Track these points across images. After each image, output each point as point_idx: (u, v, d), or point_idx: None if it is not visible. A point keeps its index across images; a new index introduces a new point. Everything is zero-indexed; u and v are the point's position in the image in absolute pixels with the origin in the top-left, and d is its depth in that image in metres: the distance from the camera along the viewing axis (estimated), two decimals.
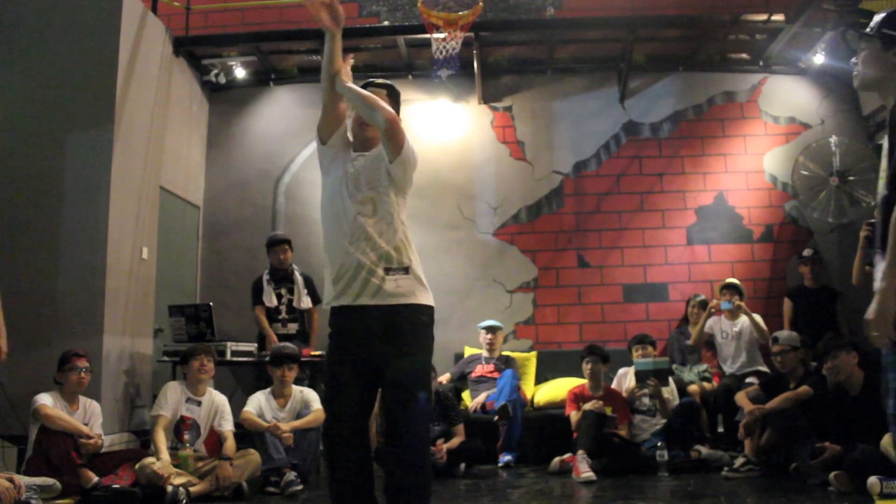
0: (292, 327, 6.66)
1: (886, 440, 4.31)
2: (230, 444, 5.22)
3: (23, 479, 4.41)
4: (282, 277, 6.73)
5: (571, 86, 8.19)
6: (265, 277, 6.73)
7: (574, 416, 5.96)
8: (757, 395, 5.64)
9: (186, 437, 5.18)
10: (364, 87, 2.99)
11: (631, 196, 7.91)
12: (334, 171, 2.99)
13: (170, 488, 4.60)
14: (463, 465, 5.80)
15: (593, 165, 7.99)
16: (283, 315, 6.66)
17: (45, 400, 4.96)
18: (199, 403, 5.35)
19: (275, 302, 6.66)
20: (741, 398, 5.64)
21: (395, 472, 2.78)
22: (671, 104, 8.07)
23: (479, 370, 6.82)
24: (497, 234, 7.90)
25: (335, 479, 2.82)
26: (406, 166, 2.89)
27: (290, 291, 6.71)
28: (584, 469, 5.34)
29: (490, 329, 6.93)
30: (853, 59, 2.71)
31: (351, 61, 3.05)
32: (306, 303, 6.68)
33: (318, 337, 6.77)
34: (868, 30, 2.64)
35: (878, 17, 2.63)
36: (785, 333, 5.72)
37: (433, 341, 2.98)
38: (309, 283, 6.79)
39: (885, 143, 2.53)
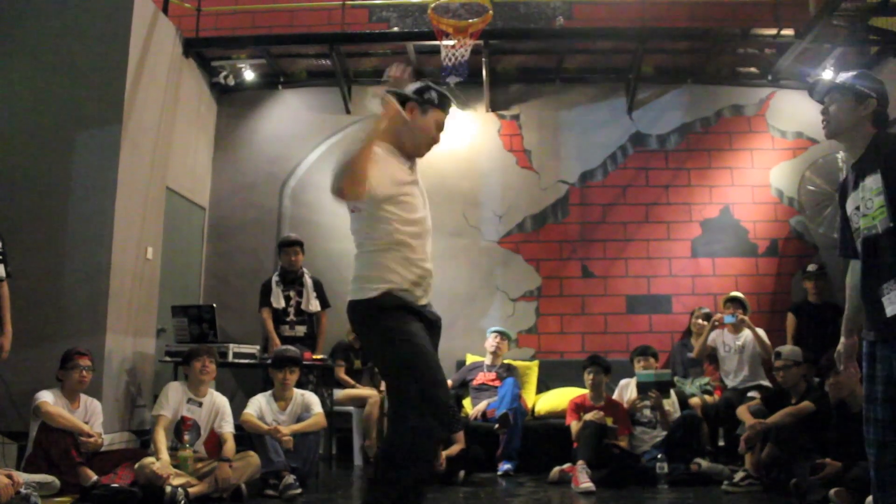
0: (300, 329, 6.67)
1: None
2: (230, 446, 5.21)
3: (22, 476, 4.42)
4: (291, 280, 6.75)
5: (579, 96, 8.20)
6: (274, 279, 6.75)
7: (574, 426, 5.95)
8: (758, 409, 5.63)
9: (186, 437, 5.17)
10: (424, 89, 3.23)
11: (636, 207, 7.91)
12: (410, 187, 3.25)
13: (168, 488, 4.60)
14: (462, 473, 5.78)
15: (599, 176, 7.99)
16: (292, 317, 6.68)
17: (47, 397, 4.96)
18: (200, 404, 5.35)
19: (282, 304, 6.67)
20: (742, 412, 5.64)
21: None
22: (679, 116, 8.08)
23: (481, 378, 6.81)
24: (502, 243, 7.90)
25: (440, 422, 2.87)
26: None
27: (300, 294, 6.72)
28: (583, 480, 5.33)
29: (500, 334, 6.93)
30: (821, 111, 3.01)
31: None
32: (315, 306, 6.69)
33: (325, 340, 6.79)
34: (841, 83, 2.93)
35: (849, 74, 2.95)
36: (787, 348, 5.71)
37: None
38: (318, 287, 6.80)
39: (872, 181, 2.80)
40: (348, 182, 2.84)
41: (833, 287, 7.22)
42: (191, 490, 4.76)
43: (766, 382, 6.46)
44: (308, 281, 6.75)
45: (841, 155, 7.39)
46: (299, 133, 8.13)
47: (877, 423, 2.84)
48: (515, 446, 6.20)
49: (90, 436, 5.00)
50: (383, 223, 3.08)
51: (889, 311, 2.73)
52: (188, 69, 7.60)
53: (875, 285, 2.83)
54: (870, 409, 2.88)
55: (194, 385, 5.38)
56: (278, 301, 6.66)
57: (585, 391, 6.21)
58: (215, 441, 5.32)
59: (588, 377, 6.13)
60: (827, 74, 7.51)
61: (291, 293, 6.72)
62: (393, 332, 2.93)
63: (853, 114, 2.90)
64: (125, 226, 6.30)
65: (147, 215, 6.71)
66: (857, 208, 2.90)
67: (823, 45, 7.31)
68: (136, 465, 4.78)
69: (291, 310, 6.68)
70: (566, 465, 5.74)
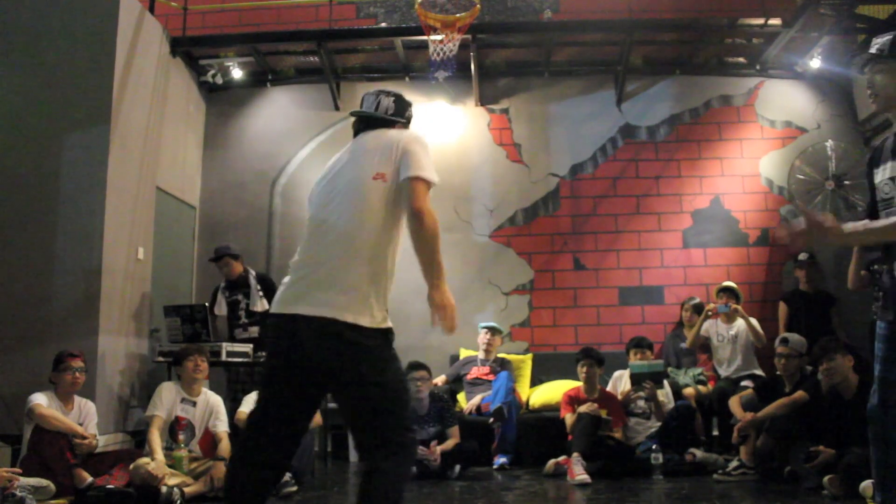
0: (254, 330, 6.60)
1: None
2: (225, 445, 5.21)
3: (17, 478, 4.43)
4: (235, 285, 6.68)
5: (568, 88, 8.20)
6: (220, 286, 6.71)
7: (569, 418, 5.96)
8: (750, 400, 5.64)
9: (181, 437, 5.18)
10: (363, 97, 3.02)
11: (627, 199, 7.92)
12: None
13: (164, 489, 4.60)
14: (458, 467, 5.80)
15: (590, 168, 8.00)
16: (243, 320, 6.63)
17: (40, 400, 4.94)
18: (194, 404, 5.35)
19: (225, 311, 6.62)
20: (734, 406, 5.63)
21: None
22: (668, 107, 8.09)
23: (475, 372, 6.82)
24: (493, 237, 7.91)
25: None
26: None
27: (247, 296, 6.64)
28: (578, 471, 5.35)
29: (490, 330, 6.94)
30: (867, 83, 2.75)
31: None
32: (262, 305, 6.55)
33: None
34: (879, 52, 2.69)
35: (885, 39, 2.69)
36: (796, 337, 5.64)
37: None
38: (265, 283, 6.69)
39: None
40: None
41: (824, 275, 7.26)
42: (186, 490, 4.76)
43: (759, 371, 6.49)
44: (253, 281, 6.66)
45: (830, 143, 7.42)
46: (289, 130, 8.11)
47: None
48: (510, 440, 6.22)
49: (84, 437, 4.99)
50: (399, 229, 2.78)
51: None
52: (176, 68, 7.57)
53: (889, 264, 2.71)
54: (883, 392, 2.79)
55: (188, 385, 5.37)
56: (221, 308, 6.60)
57: (579, 384, 6.22)
58: (210, 440, 5.31)
59: (581, 370, 6.14)
60: (815, 63, 7.55)
61: (239, 296, 6.65)
62: (404, 376, 2.78)
63: None
64: (115, 226, 6.28)
65: (137, 215, 6.68)
66: (893, 178, 2.72)
67: (811, 34, 7.33)
68: (131, 466, 4.77)
69: (242, 312, 6.63)
70: (561, 458, 5.77)
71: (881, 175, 2.79)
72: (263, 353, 5.92)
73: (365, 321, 2.59)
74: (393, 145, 2.75)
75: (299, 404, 2.71)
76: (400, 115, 2.98)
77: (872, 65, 2.74)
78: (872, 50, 2.74)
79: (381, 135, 2.86)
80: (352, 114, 3.04)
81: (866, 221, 2.68)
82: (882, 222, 2.59)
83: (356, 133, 2.99)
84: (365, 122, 2.97)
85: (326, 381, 2.65)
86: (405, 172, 2.68)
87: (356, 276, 2.63)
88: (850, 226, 2.61)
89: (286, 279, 2.75)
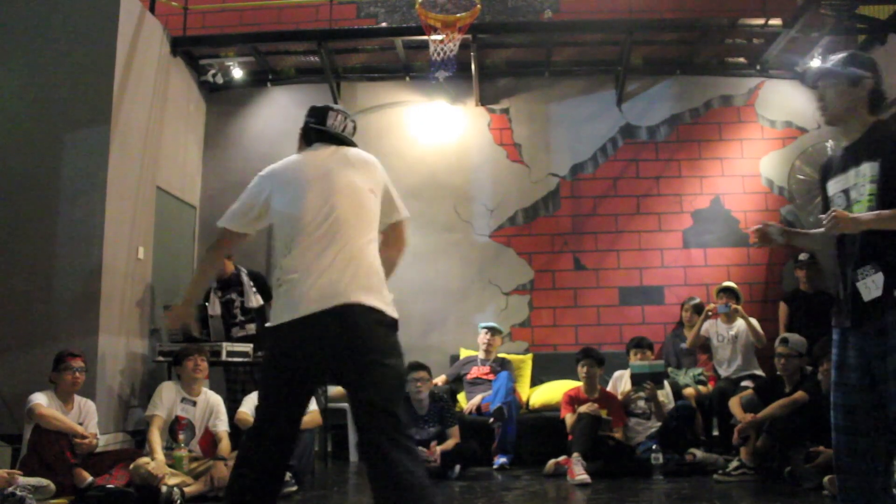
0: (251, 328, 6.59)
1: None
2: (225, 445, 5.22)
3: (19, 479, 4.43)
4: (227, 283, 6.65)
5: (568, 88, 8.19)
6: (213, 286, 6.66)
7: (569, 418, 5.96)
8: (749, 401, 5.64)
9: (181, 437, 5.18)
10: (324, 110, 3.14)
11: (627, 199, 7.92)
12: None
13: (164, 489, 4.60)
14: (458, 467, 5.80)
15: (590, 168, 8.00)
16: (240, 318, 6.62)
17: (40, 399, 4.95)
18: (194, 403, 5.35)
19: (219, 311, 6.58)
20: (734, 406, 5.64)
21: None
22: (668, 108, 8.08)
23: (475, 372, 6.82)
24: (493, 237, 7.90)
25: None
26: None
27: (240, 293, 6.62)
28: (578, 472, 5.34)
29: (490, 330, 6.94)
30: (817, 98, 2.92)
31: None
32: (256, 300, 6.56)
33: None
34: (833, 68, 2.84)
35: (839, 56, 2.86)
36: (796, 337, 5.66)
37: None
38: (257, 280, 6.70)
39: (869, 168, 2.75)
40: None
41: (824, 276, 7.25)
42: (186, 490, 4.76)
43: (759, 372, 6.49)
44: (245, 279, 6.64)
45: (830, 143, 7.41)
46: (289, 130, 7.96)
47: (846, 410, 2.85)
48: (510, 440, 6.22)
49: (84, 437, 4.99)
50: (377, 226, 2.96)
51: (866, 296, 2.72)
52: (176, 68, 7.57)
53: (850, 271, 2.81)
54: (838, 396, 2.91)
55: (188, 384, 5.37)
56: (214, 308, 6.56)
57: (579, 384, 6.22)
58: (210, 440, 5.32)
59: (581, 370, 6.14)
60: (815, 63, 7.55)
61: (233, 295, 6.63)
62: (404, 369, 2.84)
63: (849, 97, 2.81)
64: (116, 226, 6.28)
65: (138, 215, 6.68)
66: (845, 191, 2.87)
67: (811, 34, 7.33)
68: (131, 466, 4.78)
69: (237, 311, 6.62)
70: (562, 458, 5.76)
71: (833, 188, 2.95)
72: (262, 352, 5.94)
73: (395, 314, 2.75)
74: (377, 171, 2.99)
75: (304, 400, 2.76)
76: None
77: (825, 80, 2.87)
78: (827, 65, 2.88)
79: (360, 154, 3.02)
80: (332, 135, 3.10)
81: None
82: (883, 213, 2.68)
83: (313, 141, 3.15)
84: (330, 137, 3.09)
85: (344, 369, 2.65)
86: (398, 215, 2.99)
87: (379, 270, 2.79)
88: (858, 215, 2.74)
89: (295, 276, 2.68)
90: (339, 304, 2.61)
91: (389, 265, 2.89)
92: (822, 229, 2.87)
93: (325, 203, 2.79)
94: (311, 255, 2.70)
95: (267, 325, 2.80)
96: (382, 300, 2.69)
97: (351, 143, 3.09)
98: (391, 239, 2.99)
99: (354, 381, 2.63)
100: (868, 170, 2.76)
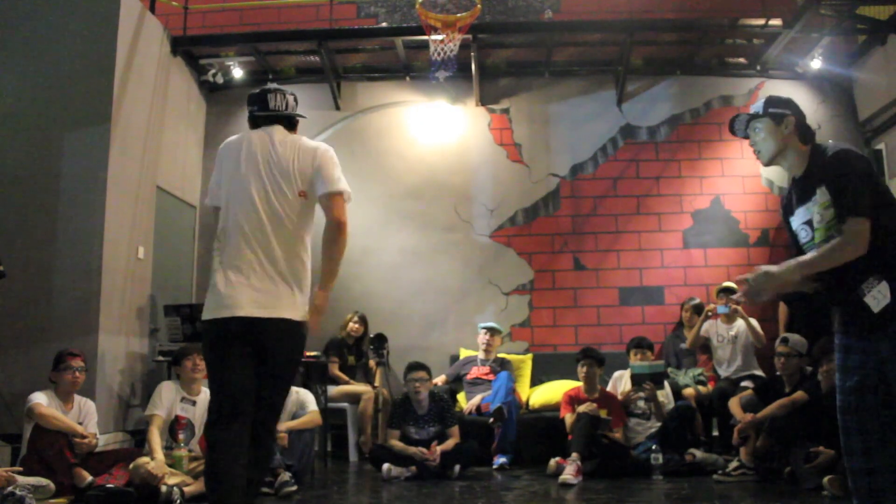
0: None
1: None
2: None
3: (19, 478, 4.42)
4: None
5: (569, 88, 8.20)
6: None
7: (569, 418, 5.95)
8: (749, 401, 5.63)
9: (181, 436, 5.17)
10: (265, 92, 3.40)
11: (627, 199, 7.92)
12: None
13: (164, 488, 4.60)
14: (457, 467, 5.79)
15: (590, 168, 8.00)
16: None
17: (40, 399, 4.94)
18: (194, 403, 5.34)
19: None
20: (734, 407, 5.63)
21: None
22: (668, 108, 8.09)
23: (475, 372, 6.82)
24: (493, 237, 7.91)
25: None
26: None
27: None
28: (568, 472, 5.34)
29: (489, 330, 6.94)
30: (749, 144, 3.05)
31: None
32: None
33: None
34: (756, 112, 2.98)
35: (760, 102, 3.01)
36: (796, 337, 5.65)
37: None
38: None
39: (821, 195, 2.86)
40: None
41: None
42: (186, 489, 4.76)
43: (759, 372, 6.48)
44: None
45: (830, 143, 7.40)
46: None
47: (854, 410, 2.83)
48: (510, 440, 6.21)
49: (84, 437, 4.98)
50: (310, 226, 3.24)
51: (875, 308, 2.74)
52: (176, 68, 7.57)
53: (847, 289, 2.86)
54: (844, 400, 2.89)
55: (187, 384, 5.36)
56: None
57: (579, 384, 6.22)
58: None
59: (581, 370, 6.13)
60: (815, 63, 7.56)
61: None
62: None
63: (778, 136, 2.96)
64: (116, 225, 6.28)
65: (138, 215, 6.68)
66: (808, 222, 2.96)
67: (811, 35, 7.34)
68: (131, 466, 4.77)
69: None
70: (565, 458, 5.75)
71: (797, 222, 3.06)
72: None
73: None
74: (309, 156, 3.23)
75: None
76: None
77: (753, 123, 3.00)
78: (751, 110, 3.00)
79: (297, 140, 3.29)
80: (277, 116, 3.41)
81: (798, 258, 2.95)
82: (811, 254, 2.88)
83: (259, 125, 3.42)
84: (276, 118, 3.39)
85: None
86: (324, 188, 3.16)
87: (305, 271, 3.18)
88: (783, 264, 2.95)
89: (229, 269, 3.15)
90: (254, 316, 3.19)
91: (326, 245, 3.14)
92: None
93: (265, 206, 3.14)
94: (243, 248, 3.13)
95: None
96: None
97: (296, 118, 3.42)
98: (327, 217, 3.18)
99: None
100: (820, 196, 2.85)
